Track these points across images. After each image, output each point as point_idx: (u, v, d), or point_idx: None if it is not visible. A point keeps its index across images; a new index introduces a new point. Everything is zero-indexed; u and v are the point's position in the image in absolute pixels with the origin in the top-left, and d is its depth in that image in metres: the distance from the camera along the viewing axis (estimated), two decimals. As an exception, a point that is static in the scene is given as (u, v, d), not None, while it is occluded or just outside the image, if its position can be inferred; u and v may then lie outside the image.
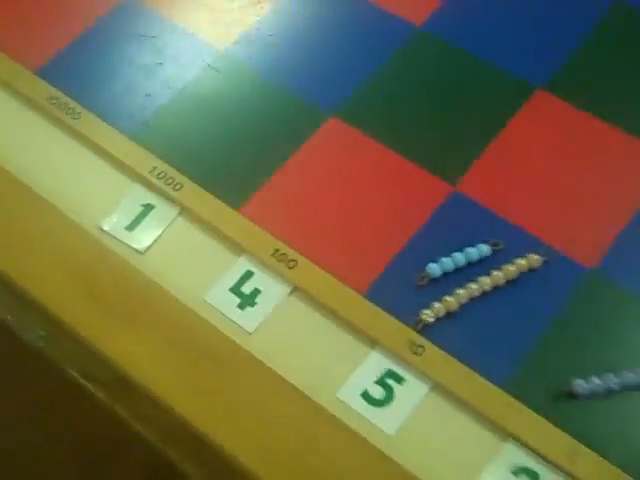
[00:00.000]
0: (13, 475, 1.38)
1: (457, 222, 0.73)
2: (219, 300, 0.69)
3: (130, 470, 1.36)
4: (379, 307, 0.68)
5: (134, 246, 0.72)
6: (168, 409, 0.66)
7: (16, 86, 0.81)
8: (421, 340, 0.66)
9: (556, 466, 0.61)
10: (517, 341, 0.67)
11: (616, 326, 0.68)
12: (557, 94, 0.79)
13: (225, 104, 0.80)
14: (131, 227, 0.73)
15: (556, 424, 0.63)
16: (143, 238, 0.72)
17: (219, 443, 0.63)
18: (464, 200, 0.74)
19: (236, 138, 0.78)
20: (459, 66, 0.82)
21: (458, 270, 0.69)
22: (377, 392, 0.65)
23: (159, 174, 0.75)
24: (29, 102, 0.80)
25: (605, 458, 0.61)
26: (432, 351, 0.66)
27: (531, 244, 0.71)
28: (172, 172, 0.75)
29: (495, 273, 0.68)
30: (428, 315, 0.67)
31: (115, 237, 0.72)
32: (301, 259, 0.70)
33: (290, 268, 0.70)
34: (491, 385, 0.64)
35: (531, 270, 0.69)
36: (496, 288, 0.69)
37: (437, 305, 0.67)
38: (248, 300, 0.69)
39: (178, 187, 0.74)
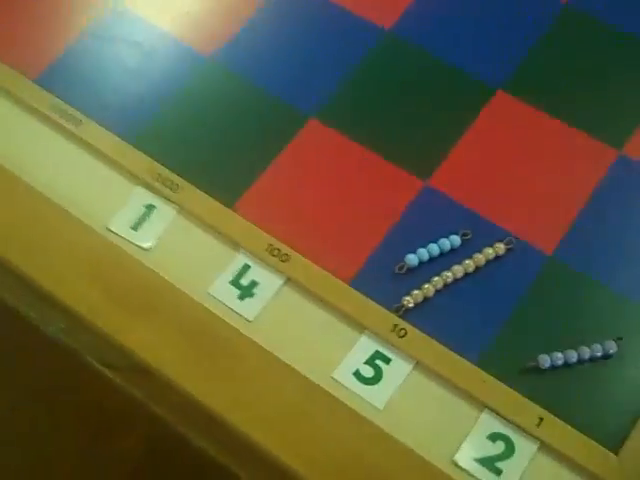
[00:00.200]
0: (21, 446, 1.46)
1: (430, 215, 0.79)
2: (221, 292, 0.76)
3: (131, 443, 1.44)
4: (364, 295, 0.75)
5: (140, 244, 0.78)
6: (179, 389, 0.72)
7: (18, 95, 0.86)
8: (403, 324, 0.73)
9: (525, 431, 0.69)
10: (488, 322, 0.74)
11: (573, 305, 0.75)
12: (515, 94, 0.85)
13: (214, 109, 0.86)
14: (135, 227, 0.79)
15: (524, 395, 0.70)
16: (147, 237, 0.78)
17: (226, 417, 0.71)
18: (435, 194, 0.80)
19: (226, 141, 0.84)
20: (427, 68, 0.87)
21: (433, 259, 0.76)
22: (367, 371, 0.72)
23: (158, 177, 0.80)
24: (33, 111, 0.85)
25: (567, 422, 0.69)
26: (413, 333, 0.73)
27: (497, 234, 0.78)
28: (170, 175, 0.81)
29: (466, 261, 0.76)
30: (408, 301, 0.74)
31: (122, 236, 0.79)
32: (293, 253, 0.76)
33: (283, 261, 0.76)
34: (466, 362, 0.72)
35: (497, 257, 0.76)
36: (467, 275, 0.76)
37: (416, 292, 0.74)
38: (247, 291, 0.76)
39: (176, 189, 0.80)
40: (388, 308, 0.74)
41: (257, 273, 0.77)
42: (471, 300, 0.75)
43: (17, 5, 0.92)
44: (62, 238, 0.79)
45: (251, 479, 0.77)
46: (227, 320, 0.75)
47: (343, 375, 0.72)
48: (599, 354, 0.72)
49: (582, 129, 0.83)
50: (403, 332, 0.73)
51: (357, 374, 0.72)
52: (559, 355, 0.72)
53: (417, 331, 0.73)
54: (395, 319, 0.74)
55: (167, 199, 0.80)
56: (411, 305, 0.74)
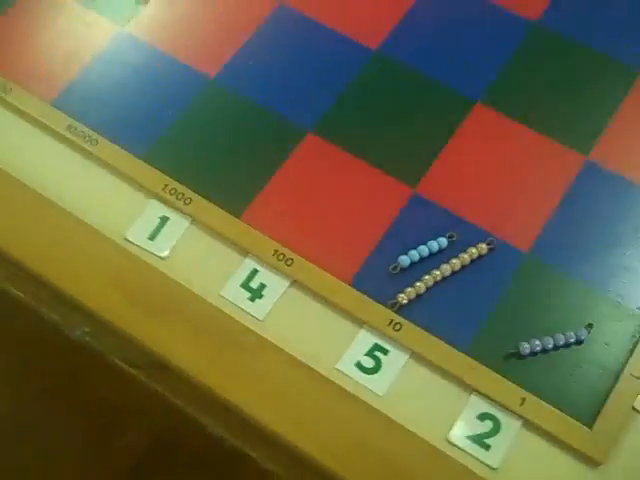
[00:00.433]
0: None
1: (419, 219, 0.85)
2: (233, 294, 0.82)
3: (133, 439, 1.50)
4: (363, 293, 0.81)
5: (156, 253, 0.84)
6: (198, 383, 0.79)
7: (36, 117, 0.91)
8: (399, 319, 0.79)
9: (510, 410, 0.76)
10: (474, 314, 0.80)
11: (548, 297, 0.81)
12: (493, 107, 0.90)
13: (219, 125, 0.91)
14: (152, 237, 0.85)
15: (508, 378, 0.77)
16: (163, 245, 0.84)
17: (242, 407, 0.77)
18: (423, 201, 0.85)
19: (232, 156, 0.89)
20: (412, 84, 0.92)
21: (423, 260, 0.82)
22: (368, 362, 0.79)
23: (170, 190, 0.86)
24: (51, 132, 0.90)
25: (546, 401, 0.76)
26: (408, 327, 0.79)
27: (479, 235, 0.83)
28: (181, 188, 0.86)
29: (453, 261, 0.82)
30: (402, 298, 0.80)
31: (140, 246, 0.84)
32: (297, 257, 0.82)
33: (288, 265, 0.82)
34: (456, 351, 0.78)
35: (480, 256, 0.82)
36: (454, 273, 0.82)
37: (409, 289, 0.81)
38: (256, 293, 0.82)
39: (188, 201, 0.86)
40: (384, 305, 0.80)
41: (265, 276, 0.83)
42: (458, 295, 0.81)
43: (32, 34, 0.97)
44: (86, 250, 0.85)
45: (262, 457, 0.84)
46: (239, 319, 0.81)
47: (346, 366, 0.79)
48: (572, 340, 0.78)
49: (552, 137, 0.89)
50: (399, 326, 0.79)
51: (359, 365, 0.79)
52: (537, 342, 0.78)
53: (411, 325, 0.80)
54: (391, 314, 0.80)
55: (179, 211, 0.86)
56: (405, 301, 0.80)
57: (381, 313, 0.81)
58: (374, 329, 0.80)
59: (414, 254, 0.83)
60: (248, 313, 0.82)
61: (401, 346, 0.80)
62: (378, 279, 0.82)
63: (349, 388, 0.78)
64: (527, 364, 0.78)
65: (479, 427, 0.76)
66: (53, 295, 0.85)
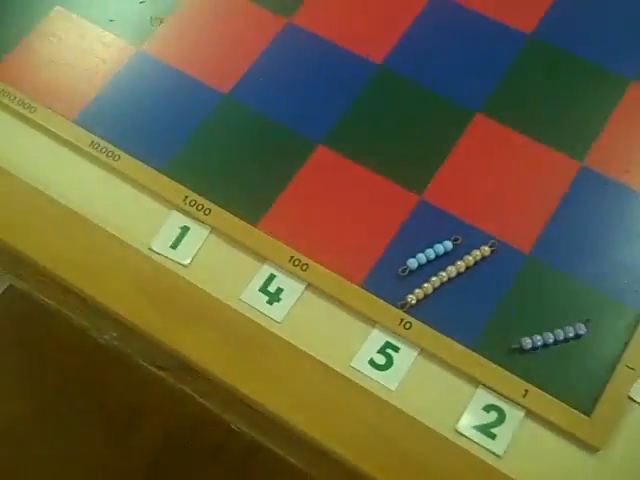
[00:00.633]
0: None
1: (425, 225, 0.88)
2: (252, 298, 0.86)
3: (149, 437, 1.54)
4: (374, 295, 0.85)
5: (179, 261, 0.88)
6: (222, 383, 0.83)
7: (61, 135, 0.95)
8: (408, 318, 0.83)
9: (514, 402, 0.80)
10: (478, 313, 0.84)
11: (548, 295, 0.84)
12: (493, 116, 0.94)
13: (235, 139, 0.95)
14: (174, 246, 0.89)
15: (511, 372, 0.80)
16: (185, 254, 0.88)
17: (263, 404, 0.81)
18: (429, 207, 0.89)
19: (247, 168, 0.92)
20: (416, 96, 0.95)
21: (430, 262, 0.86)
22: (380, 359, 0.83)
23: (191, 202, 0.90)
24: (75, 149, 0.94)
25: (547, 392, 0.79)
26: (417, 325, 0.83)
27: (483, 238, 0.87)
28: (201, 200, 0.90)
29: (458, 262, 0.85)
30: (412, 298, 0.84)
31: (163, 255, 0.88)
32: (311, 262, 0.86)
33: (304, 270, 0.86)
34: (462, 347, 0.82)
35: (484, 258, 0.86)
36: (459, 274, 0.85)
37: (417, 290, 0.84)
38: (274, 297, 0.86)
39: (207, 212, 0.90)
40: (395, 305, 0.84)
41: (282, 281, 0.87)
42: (464, 295, 0.85)
43: (55, 57, 1.02)
44: (113, 259, 0.89)
45: (280, 449, 0.88)
46: (259, 322, 0.85)
47: (360, 363, 0.83)
48: (571, 335, 0.81)
49: (549, 144, 0.92)
50: (409, 325, 0.83)
51: (372, 362, 0.83)
52: (538, 337, 0.81)
53: (420, 323, 0.83)
54: (401, 314, 0.84)
55: (200, 221, 0.90)
56: (414, 302, 0.84)
57: (392, 313, 0.84)
58: (385, 328, 0.84)
59: (421, 257, 0.86)
60: (267, 316, 0.86)
61: (411, 343, 0.83)
62: (388, 281, 0.86)
63: (364, 384, 0.82)
64: (529, 358, 0.82)
65: (485, 417, 0.80)
66: (83, 302, 0.89)
